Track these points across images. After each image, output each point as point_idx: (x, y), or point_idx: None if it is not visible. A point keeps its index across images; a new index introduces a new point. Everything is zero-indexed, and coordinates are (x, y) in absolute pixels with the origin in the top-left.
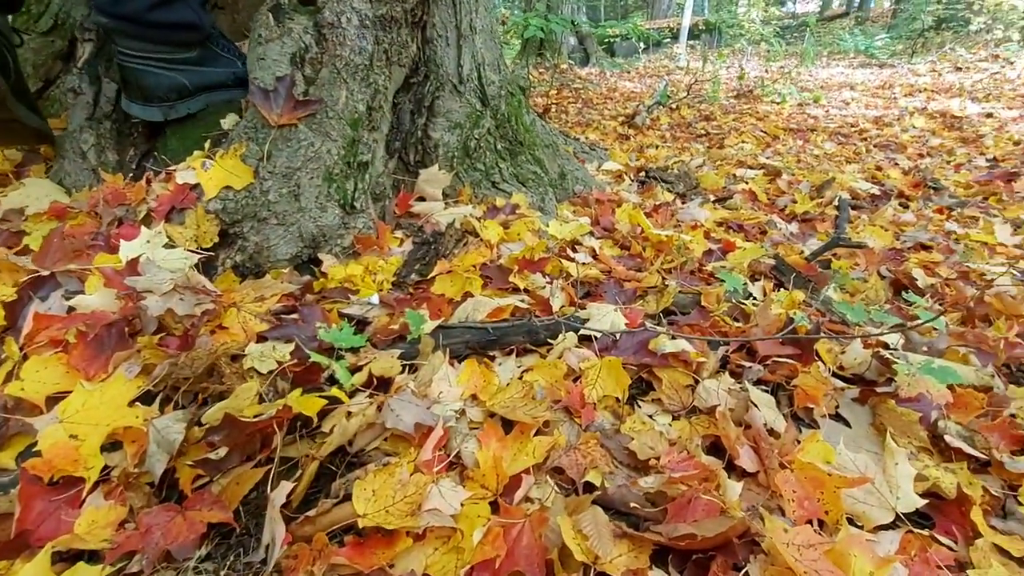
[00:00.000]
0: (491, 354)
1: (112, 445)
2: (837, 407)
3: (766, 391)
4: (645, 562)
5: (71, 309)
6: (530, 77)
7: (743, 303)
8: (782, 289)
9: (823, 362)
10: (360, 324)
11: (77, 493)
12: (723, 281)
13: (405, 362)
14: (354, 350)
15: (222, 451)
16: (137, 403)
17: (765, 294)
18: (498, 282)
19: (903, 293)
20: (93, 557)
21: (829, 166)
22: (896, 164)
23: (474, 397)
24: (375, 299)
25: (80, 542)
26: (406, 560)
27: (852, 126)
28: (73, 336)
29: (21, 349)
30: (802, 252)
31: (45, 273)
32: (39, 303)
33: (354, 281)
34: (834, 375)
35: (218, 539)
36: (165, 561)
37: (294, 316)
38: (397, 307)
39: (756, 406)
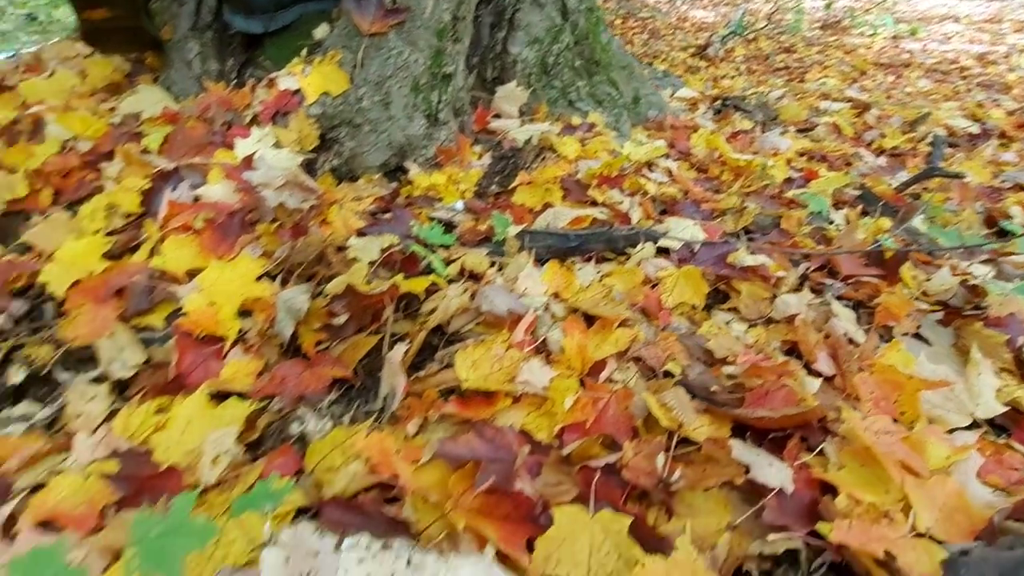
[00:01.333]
0: (571, 260)
1: (243, 313)
2: (919, 327)
3: (847, 306)
4: (726, 433)
5: (197, 198)
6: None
7: (825, 227)
8: (867, 217)
9: (907, 287)
10: (447, 227)
11: (219, 348)
12: (805, 206)
13: (493, 259)
14: (445, 247)
15: (342, 318)
16: (263, 279)
17: (848, 222)
18: (576, 195)
19: (999, 224)
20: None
21: (924, 103)
22: (999, 104)
23: (556, 295)
24: (460, 205)
25: (227, 385)
26: (505, 417)
27: (952, 63)
28: (201, 222)
29: (159, 231)
30: (890, 184)
31: (171, 167)
32: (170, 192)
33: (438, 190)
34: (917, 300)
35: (340, 393)
36: (299, 404)
37: (388, 216)
38: (481, 213)
39: (837, 316)
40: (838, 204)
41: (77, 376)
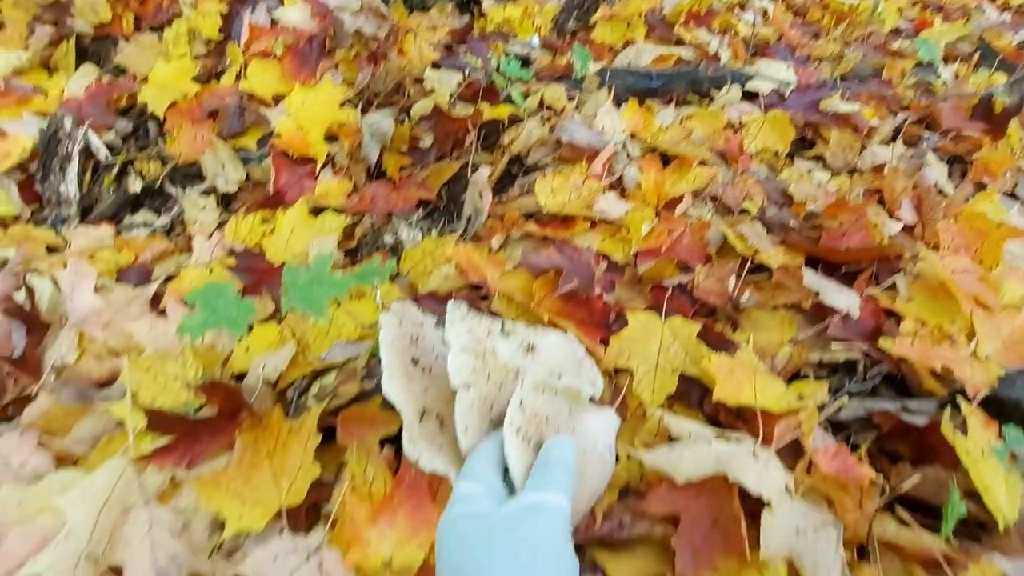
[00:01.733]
0: (651, 101)
1: (330, 138)
2: (1015, 186)
3: (942, 160)
4: (799, 262)
5: (274, 22)
6: None
7: (931, 81)
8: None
9: (1011, 145)
10: (524, 62)
11: (311, 169)
12: (911, 56)
13: (571, 95)
14: (522, 81)
15: (428, 139)
16: (346, 105)
17: (958, 76)
18: (661, 33)
19: None
20: None
21: None
22: None
23: (634, 135)
24: (536, 41)
25: (322, 201)
26: (583, 239)
27: None
28: (281, 48)
29: (242, 56)
30: (1012, 41)
31: None
32: (249, 15)
33: (512, 24)
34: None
35: (425, 214)
36: (388, 220)
37: (463, 47)
38: (558, 50)
39: (929, 166)
40: (949, 59)
41: (186, 190)
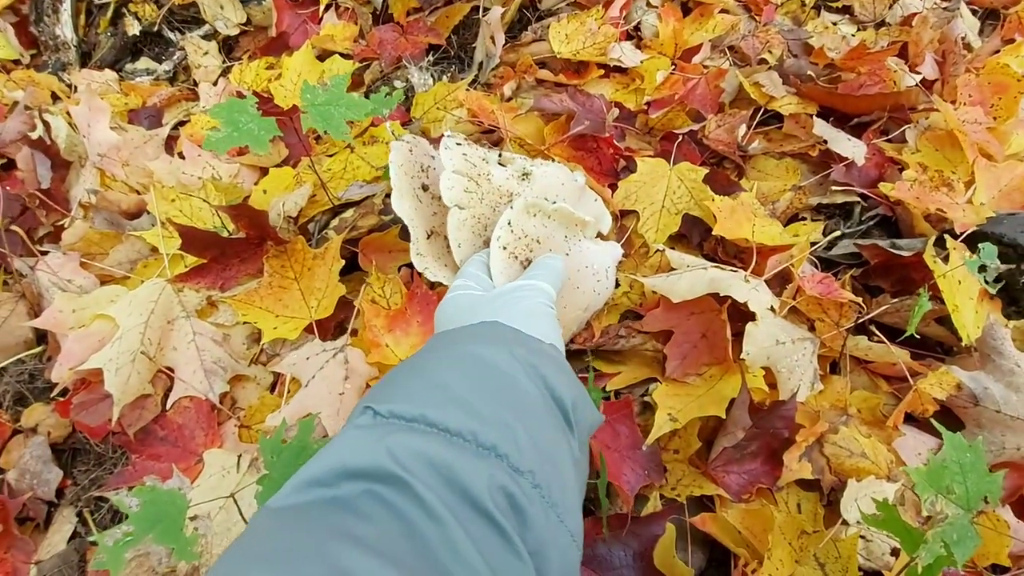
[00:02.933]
0: None
1: None
2: None
3: (975, 11)
4: (812, 110)
5: None
6: None
7: None
8: None
9: None
10: None
11: (315, 12)
12: None
13: None
14: None
15: None
16: None
17: None
18: None
19: None
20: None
21: None
22: None
23: None
24: None
25: (330, 43)
26: (596, 87)
27: None
28: None
29: None
30: None
31: None
32: None
33: None
34: None
35: (435, 60)
36: (398, 66)
37: None
38: None
39: (961, 18)
40: None
41: (186, 35)
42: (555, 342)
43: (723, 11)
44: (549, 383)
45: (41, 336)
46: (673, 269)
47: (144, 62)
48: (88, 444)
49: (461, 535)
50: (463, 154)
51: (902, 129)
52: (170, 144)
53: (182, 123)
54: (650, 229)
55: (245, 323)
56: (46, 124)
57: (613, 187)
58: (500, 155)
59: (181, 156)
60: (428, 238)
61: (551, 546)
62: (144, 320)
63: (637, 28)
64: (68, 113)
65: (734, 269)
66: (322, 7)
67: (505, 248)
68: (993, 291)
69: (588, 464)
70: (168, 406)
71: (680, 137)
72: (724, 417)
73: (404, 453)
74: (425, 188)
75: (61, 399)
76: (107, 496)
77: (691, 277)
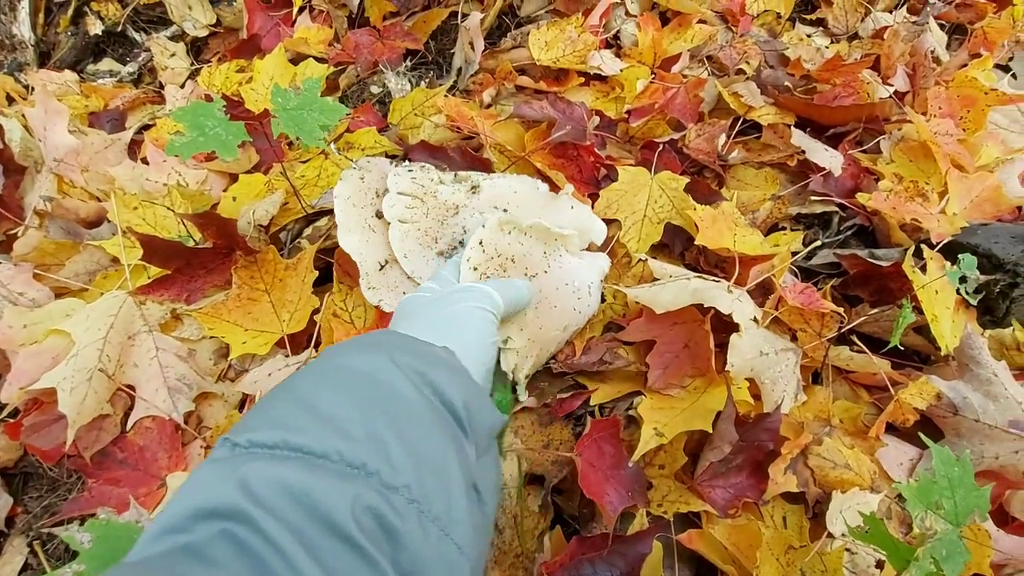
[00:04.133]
0: None
1: None
2: (1011, 59)
3: (943, 26)
4: (789, 120)
5: None
6: None
7: None
8: None
9: (1014, 16)
10: None
11: (288, 14)
12: None
13: None
14: None
15: None
16: None
17: None
18: None
19: None
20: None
21: None
22: None
23: None
24: None
25: (304, 46)
26: (576, 94)
27: None
28: None
29: None
30: None
31: None
32: None
33: None
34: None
35: (413, 65)
36: (374, 70)
37: None
38: None
39: (930, 32)
40: None
41: (152, 35)
42: (475, 348)
43: (701, 21)
44: (438, 388)
45: None
46: (656, 279)
47: (107, 63)
48: (41, 468)
49: (312, 569)
50: (412, 177)
51: (876, 140)
52: (133, 149)
53: (147, 127)
54: (632, 238)
55: (212, 337)
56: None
57: (594, 196)
58: (456, 175)
59: (145, 162)
60: (381, 269)
61: (433, 563)
62: (102, 335)
63: (616, 37)
64: (23, 116)
65: (716, 279)
66: (295, 9)
67: (476, 269)
68: (973, 302)
69: (495, 467)
70: (128, 427)
71: (661, 146)
72: (710, 431)
73: (260, 484)
74: (380, 215)
75: (11, 420)
76: (56, 532)
77: (674, 288)
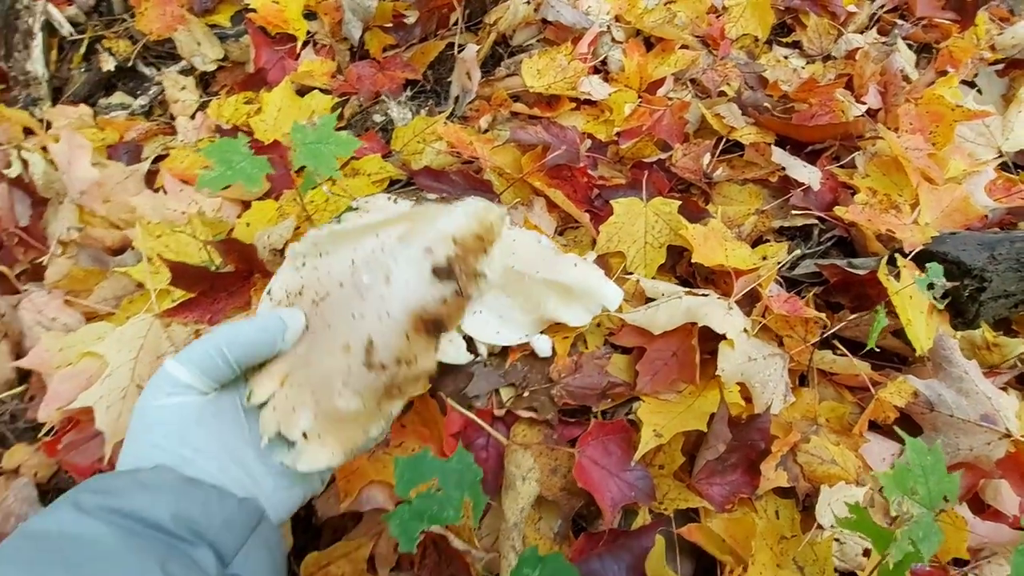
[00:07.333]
0: None
1: (309, 16)
2: (975, 76)
3: (911, 48)
4: (770, 139)
5: None
6: None
7: None
8: None
9: (977, 36)
10: None
11: (292, 48)
12: None
13: None
14: None
15: (412, 17)
16: None
17: None
18: None
19: None
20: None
21: None
22: None
23: (618, 18)
24: None
25: (308, 79)
26: (568, 118)
27: None
28: None
29: None
30: None
31: None
32: None
33: None
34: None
35: (412, 94)
36: (376, 100)
37: None
38: None
39: (898, 52)
40: None
41: (162, 70)
42: (149, 455)
43: (683, 47)
44: (137, 515)
45: (23, 376)
46: (649, 298)
47: (118, 96)
48: (72, 483)
49: None
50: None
51: (852, 156)
52: (149, 179)
53: (160, 157)
54: (638, 266)
55: None
56: (24, 161)
57: (591, 213)
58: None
59: (161, 191)
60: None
61: None
62: (133, 356)
63: (604, 63)
64: (44, 149)
65: (706, 293)
66: (299, 43)
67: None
68: (941, 306)
69: (267, 551)
70: None
71: (650, 166)
72: (706, 431)
73: None
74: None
75: (48, 439)
76: None
77: (668, 309)
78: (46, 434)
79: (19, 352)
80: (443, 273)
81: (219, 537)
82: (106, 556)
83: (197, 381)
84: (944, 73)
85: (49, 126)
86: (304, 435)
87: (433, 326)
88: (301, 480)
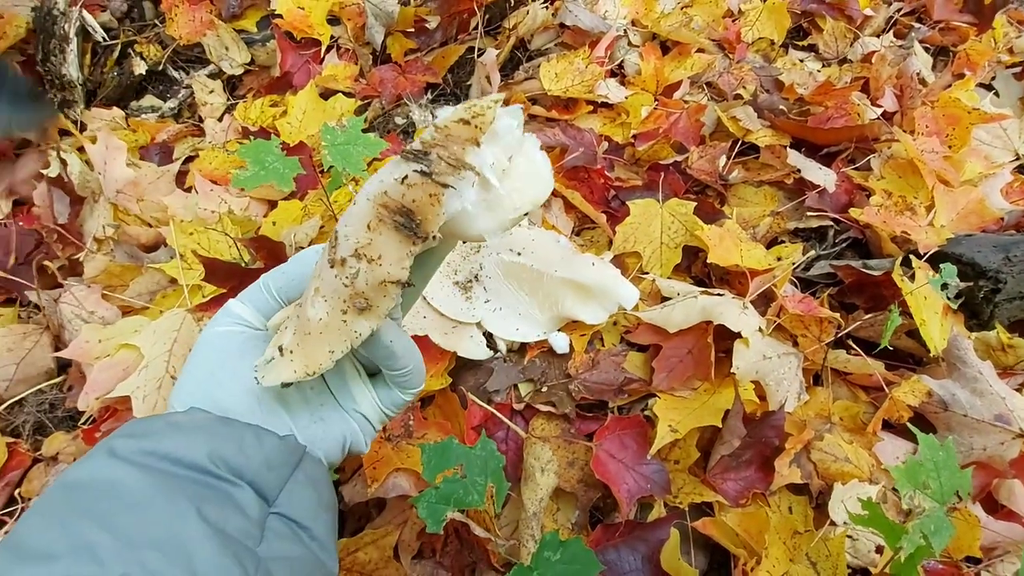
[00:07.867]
0: None
1: (332, 22)
2: (993, 78)
3: (928, 51)
4: (785, 142)
5: None
6: None
7: None
8: None
9: (995, 39)
10: None
11: (316, 52)
12: None
13: None
14: None
15: (433, 22)
16: None
17: None
18: None
19: None
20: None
21: None
22: None
23: (635, 23)
24: None
25: (332, 82)
26: (585, 121)
27: None
28: None
29: None
30: None
31: None
32: None
33: None
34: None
35: (433, 98)
36: (398, 104)
37: None
38: None
39: (915, 55)
40: None
41: (190, 73)
42: (207, 385)
43: (700, 50)
44: (173, 456)
45: (61, 366)
46: (665, 297)
47: (149, 99)
48: None
49: None
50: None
51: (867, 158)
52: (179, 179)
53: (190, 158)
54: (654, 266)
55: None
56: (63, 161)
57: (608, 214)
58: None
59: (192, 190)
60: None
61: None
62: (168, 348)
63: (621, 66)
64: (79, 150)
65: (721, 293)
66: (323, 48)
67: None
68: (955, 307)
69: (312, 488)
70: None
71: (666, 168)
72: (720, 427)
73: None
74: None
75: (87, 427)
76: None
77: (684, 308)
78: (85, 422)
79: (58, 344)
80: (412, 155)
81: (259, 476)
82: (138, 504)
83: (249, 314)
84: (961, 76)
85: (84, 128)
86: (280, 350)
87: (401, 217)
88: (333, 413)
